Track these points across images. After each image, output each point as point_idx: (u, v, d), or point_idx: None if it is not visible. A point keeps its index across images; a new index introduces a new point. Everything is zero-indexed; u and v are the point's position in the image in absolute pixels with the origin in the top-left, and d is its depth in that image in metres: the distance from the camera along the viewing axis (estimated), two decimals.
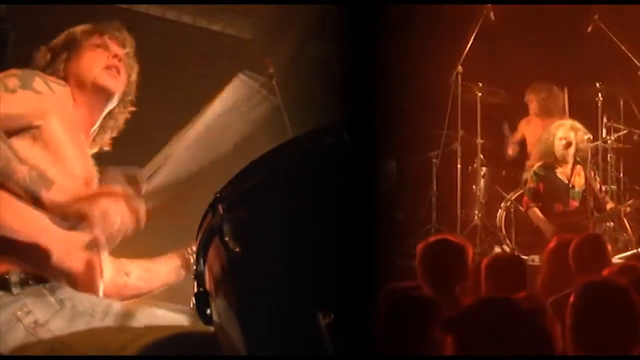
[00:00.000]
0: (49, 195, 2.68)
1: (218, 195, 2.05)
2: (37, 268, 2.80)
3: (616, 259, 7.22)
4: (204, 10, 7.98)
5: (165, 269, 3.29)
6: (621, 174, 8.46)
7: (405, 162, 7.95)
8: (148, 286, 3.28)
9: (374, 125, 2.24)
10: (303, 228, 2.02)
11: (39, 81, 3.00)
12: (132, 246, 3.09)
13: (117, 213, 2.77)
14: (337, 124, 2.06)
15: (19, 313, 2.69)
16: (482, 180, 8.67)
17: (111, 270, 3.22)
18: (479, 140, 8.57)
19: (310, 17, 7.34)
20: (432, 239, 4.75)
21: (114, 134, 3.39)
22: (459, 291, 4.34)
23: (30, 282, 2.77)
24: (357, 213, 2.01)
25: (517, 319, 2.71)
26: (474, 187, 8.67)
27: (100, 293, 2.99)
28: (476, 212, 8.42)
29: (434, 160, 8.55)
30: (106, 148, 3.36)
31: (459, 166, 8.49)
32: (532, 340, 2.69)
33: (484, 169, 8.71)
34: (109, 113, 3.30)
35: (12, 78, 2.93)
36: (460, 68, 8.42)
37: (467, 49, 8.40)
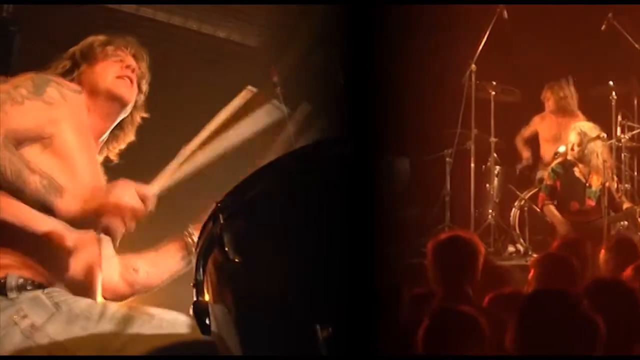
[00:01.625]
0: (61, 204, 2.67)
1: (219, 204, 2.07)
2: (39, 271, 2.82)
3: None
4: (209, 17, 8.08)
5: (172, 261, 3.29)
6: (635, 173, 8.44)
7: (418, 161, 7.95)
8: (157, 280, 3.29)
9: (384, 125, 2.26)
10: (303, 239, 2.03)
11: (51, 89, 2.97)
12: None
13: (118, 229, 2.75)
14: (340, 136, 2.08)
15: (15, 317, 2.70)
16: (496, 179, 8.64)
17: (119, 269, 3.27)
18: (493, 139, 8.56)
19: (316, 24, 7.38)
20: (442, 235, 4.74)
21: (122, 145, 3.40)
22: (472, 291, 4.31)
23: (29, 287, 2.77)
24: (360, 221, 2.02)
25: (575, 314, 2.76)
26: (487, 186, 8.65)
27: (99, 298, 3.02)
28: (490, 211, 8.43)
29: (447, 159, 8.54)
30: (113, 157, 3.37)
31: (472, 165, 8.48)
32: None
33: (497, 167, 8.69)
34: (118, 124, 3.31)
35: (21, 89, 2.90)
36: (473, 66, 8.42)
37: (481, 47, 8.40)
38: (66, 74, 3.18)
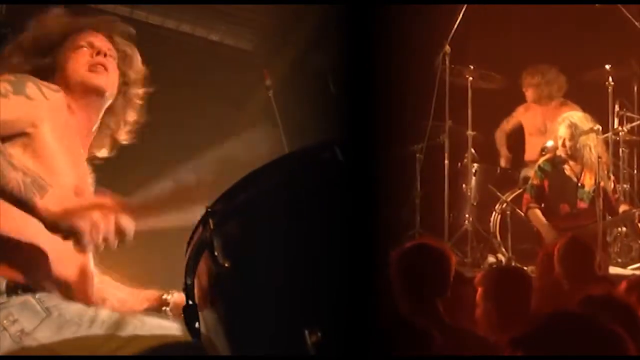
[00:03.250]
0: (43, 203, 2.98)
1: (209, 209, 2.39)
2: (30, 274, 3.15)
3: (629, 270, 7.51)
4: (203, 20, 8.94)
5: (137, 308, 3.66)
6: (634, 171, 8.62)
7: (383, 158, 8.05)
8: (114, 306, 3.61)
9: (377, 125, 2.56)
10: (293, 244, 2.36)
11: (31, 86, 3.33)
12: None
13: (104, 228, 3.07)
14: (330, 140, 2.40)
15: (5, 322, 3.04)
16: (474, 179, 8.80)
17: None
18: (470, 132, 8.69)
19: (310, 27, 7.85)
20: (407, 244, 4.87)
21: (129, 127, 3.78)
22: (441, 306, 4.48)
23: (19, 292, 3.11)
24: (350, 226, 2.35)
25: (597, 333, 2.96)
26: (464, 186, 8.85)
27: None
28: (467, 215, 8.58)
29: (417, 155, 8.69)
30: (124, 141, 3.78)
31: (446, 162, 8.62)
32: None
33: (475, 165, 8.85)
34: (109, 109, 3.67)
35: (4, 83, 3.26)
36: (447, 48, 8.53)
37: (456, 25, 8.44)
38: (43, 74, 3.51)
